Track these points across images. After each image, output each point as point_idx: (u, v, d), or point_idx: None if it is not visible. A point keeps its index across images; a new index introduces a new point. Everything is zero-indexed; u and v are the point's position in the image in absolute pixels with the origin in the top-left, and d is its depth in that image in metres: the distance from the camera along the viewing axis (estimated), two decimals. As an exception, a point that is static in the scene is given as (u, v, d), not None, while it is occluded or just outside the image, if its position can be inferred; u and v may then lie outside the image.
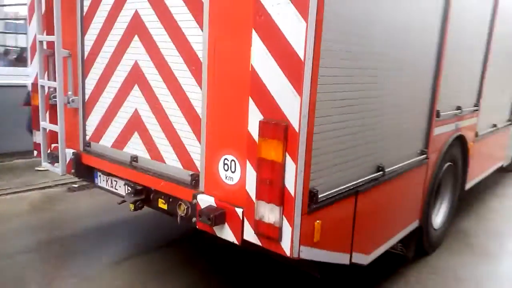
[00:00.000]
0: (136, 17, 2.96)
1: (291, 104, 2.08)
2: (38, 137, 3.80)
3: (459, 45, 3.83)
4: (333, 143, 2.40)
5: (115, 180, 3.41)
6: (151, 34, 2.87)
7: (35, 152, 3.96)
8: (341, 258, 2.66)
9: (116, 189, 3.41)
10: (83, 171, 3.57)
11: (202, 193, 2.62)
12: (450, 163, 4.25)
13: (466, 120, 4.45)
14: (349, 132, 2.54)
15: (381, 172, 2.93)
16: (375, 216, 3.04)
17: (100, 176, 3.55)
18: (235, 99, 2.38)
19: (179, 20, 2.67)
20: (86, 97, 3.49)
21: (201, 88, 2.58)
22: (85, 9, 3.36)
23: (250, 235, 2.34)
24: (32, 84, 3.83)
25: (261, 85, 2.17)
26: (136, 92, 3.05)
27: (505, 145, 6.41)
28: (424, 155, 3.60)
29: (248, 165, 2.28)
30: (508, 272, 4.11)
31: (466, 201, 5.53)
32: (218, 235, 2.52)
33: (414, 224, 3.73)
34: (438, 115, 3.66)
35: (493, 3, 4.52)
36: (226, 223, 2.46)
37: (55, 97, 3.60)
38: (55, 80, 3.44)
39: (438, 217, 4.34)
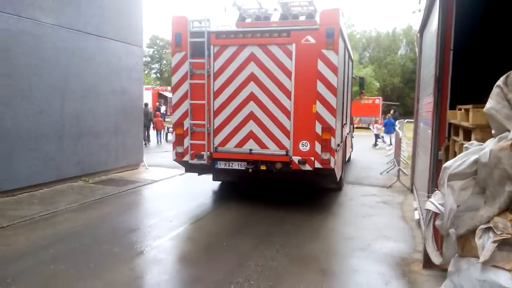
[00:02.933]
0: (252, 95, 7.45)
1: (332, 121, 7.06)
2: (181, 149, 7.76)
3: (342, 98, 9.47)
4: (337, 131, 7.47)
5: (231, 163, 7.67)
6: (260, 99, 7.42)
7: (175, 157, 7.84)
8: (338, 175, 7.72)
9: (232, 167, 7.68)
10: (212, 162, 7.71)
11: (292, 156, 7.31)
12: (343, 145, 9.82)
13: (347, 127, 10.17)
14: (339, 128, 7.71)
15: (342, 142, 8.16)
16: (340, 161, 8.22)
17: (219, 163, 7.74)
18: (307, 122, 7.20)
19: (280, 100, 7.34)
20: (214, 127, 7.68)
21: (289, 120, 7.30)
22: (215, 88, 7.62)
23: (318, 165, 7.17)
24: (175, 123, 7.76)
25: (321, 117, 7.08)
26: (251, 122, 7.49)
27: (350, 142, 12.79)
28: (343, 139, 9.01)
29: (316, 143, 7.14)
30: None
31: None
32: (303, 169, 7.23)
33: (341, 173, 9.06)
34: (343, 124, 9.17)
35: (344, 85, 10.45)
36: (306, 164, 7.22)
37: (192, 128, 7.73)
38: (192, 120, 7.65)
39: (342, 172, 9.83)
